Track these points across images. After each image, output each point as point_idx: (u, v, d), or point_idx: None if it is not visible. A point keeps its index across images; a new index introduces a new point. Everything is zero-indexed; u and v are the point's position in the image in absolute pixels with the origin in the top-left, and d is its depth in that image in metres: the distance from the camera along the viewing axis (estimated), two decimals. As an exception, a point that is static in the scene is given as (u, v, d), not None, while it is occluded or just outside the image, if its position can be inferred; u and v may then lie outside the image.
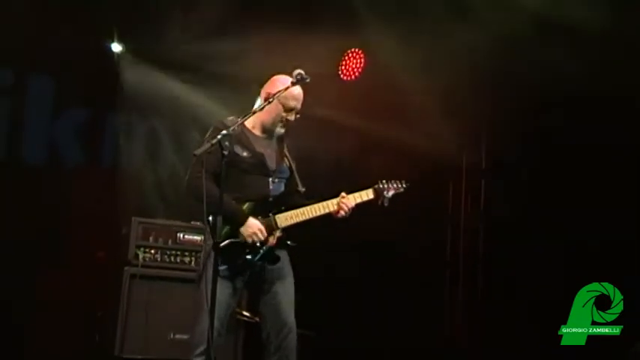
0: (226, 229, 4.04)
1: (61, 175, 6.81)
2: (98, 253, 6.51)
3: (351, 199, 4.23)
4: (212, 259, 3.79)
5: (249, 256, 4.07)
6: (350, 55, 7.04)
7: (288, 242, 4.19)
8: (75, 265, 6.40)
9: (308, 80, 4.12)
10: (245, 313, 5.45)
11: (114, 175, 6.93)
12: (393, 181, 4.38)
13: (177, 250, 5.79)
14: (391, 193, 4.34)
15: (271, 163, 4.21)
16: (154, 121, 7.01)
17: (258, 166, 4.17)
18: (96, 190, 6.72)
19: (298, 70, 4.13)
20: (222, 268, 3.94)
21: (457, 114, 6.17)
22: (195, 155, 3.82)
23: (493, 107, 5.99)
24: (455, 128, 6.22)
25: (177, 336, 5.56)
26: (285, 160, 4.30)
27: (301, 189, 4.28)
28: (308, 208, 4.18)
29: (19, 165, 6.80)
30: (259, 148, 4.20)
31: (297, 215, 4.16)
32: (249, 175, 4.14)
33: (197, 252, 5.78)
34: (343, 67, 7.07)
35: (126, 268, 5.61)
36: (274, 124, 4.24)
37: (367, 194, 4.32)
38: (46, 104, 6.96)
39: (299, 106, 4.24)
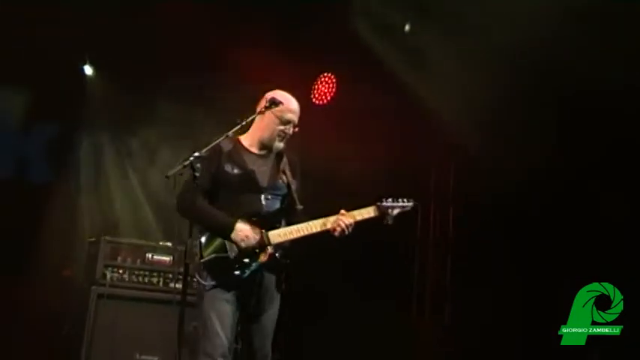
0: (216, 242, 4.00)
1: (28, 191, 6.75)
2: (64, 271, 6.46)
3: (350, 217, 4.08)
4: (201, 274, 3.93)
5: (237, 272, 3.99)
6: (322, 79, 7.13)
7: (283, 260, 4.07)
8: (41, 283, 6.34)
9: (281, 105, 4.16)
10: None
11: (81, 193, 6.90)
12: (398, 199, 4.17)
13: (145, 270, 5.77)
14: (396, 211, 4.16)
15: (262, 180, 4.13)
16: (126, 140, 7.00)
17: (248, 183, 4.10)
18: (64, 208, 6.68)
19: (271, 94, 4.18)
20: (211, 283, 3.95)
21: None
22: (167, 177, 3.83)
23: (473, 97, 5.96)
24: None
25: (143, 357, 5.54)
26: (282, 176, 4.20)
27: (299, 206, 4.16)
28: (303, 225, 4.07)
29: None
30: (250, 165, 4.14)
31: (291, 232, 4.06)
32: (240, 194, 4.08)
33: (165, 272, 5.79)
34: (315, 92, 7.14)
35: (93, 287, 5.59)
36: (272, 139, 4.17)
37: (368, 212, 4.14)
38: (13, 120, 6.93)
39: (296, 119, 4.17)
